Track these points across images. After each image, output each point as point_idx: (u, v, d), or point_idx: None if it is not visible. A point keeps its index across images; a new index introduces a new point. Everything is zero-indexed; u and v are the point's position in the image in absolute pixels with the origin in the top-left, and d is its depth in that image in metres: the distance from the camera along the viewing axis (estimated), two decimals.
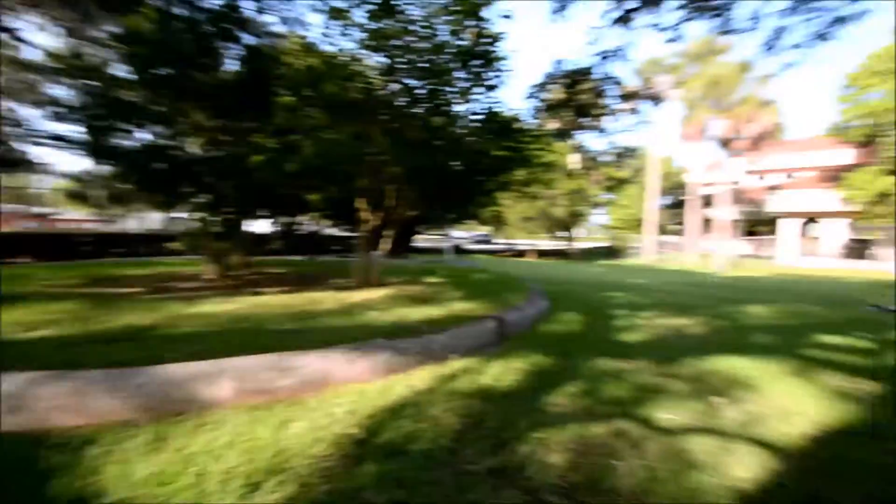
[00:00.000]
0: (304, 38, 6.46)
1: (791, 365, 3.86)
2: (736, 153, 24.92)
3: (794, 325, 5.89)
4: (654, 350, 4.28)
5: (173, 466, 1.92)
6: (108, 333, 3.51)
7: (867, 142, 20.62)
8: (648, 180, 30.08)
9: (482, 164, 6.76)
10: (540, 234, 34.07)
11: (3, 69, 7.36)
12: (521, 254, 35.32)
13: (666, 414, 2.72)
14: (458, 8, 5.57)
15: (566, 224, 33.10)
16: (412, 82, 6.03)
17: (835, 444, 2.42)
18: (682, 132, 26.16)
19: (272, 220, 8.63)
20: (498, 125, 6.66)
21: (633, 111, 9.78)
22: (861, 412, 2.88)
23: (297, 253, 9.98)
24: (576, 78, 9.12)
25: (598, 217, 42.37)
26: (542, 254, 35.52)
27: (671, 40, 8.15)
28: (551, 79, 9.18)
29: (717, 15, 7.77)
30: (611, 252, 34.68)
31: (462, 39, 6.07)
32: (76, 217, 27.42)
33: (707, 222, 29.34)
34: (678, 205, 34.81)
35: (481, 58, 6.17)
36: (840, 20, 7.08)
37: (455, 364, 3.39)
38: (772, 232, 27.30)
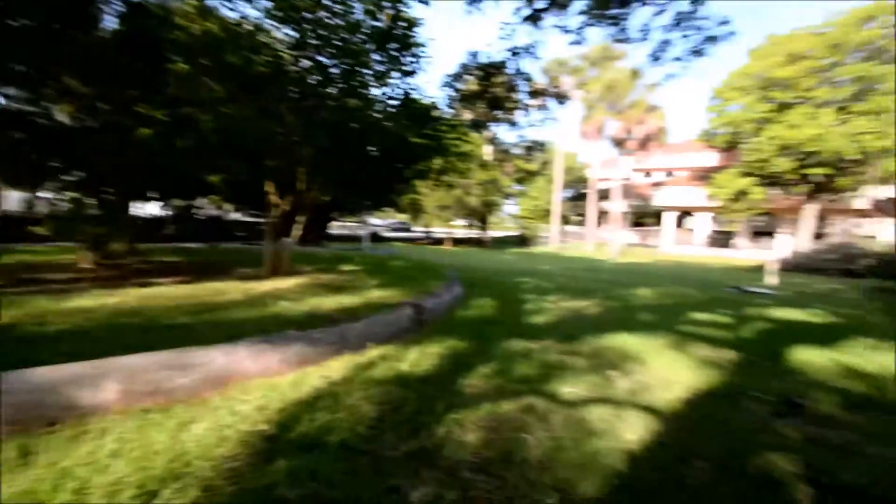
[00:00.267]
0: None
1: (670, 339, 4.44)
2: (627, 152, 27.64)
3: (671, 305, 6.76)
4: (558, 330, 4.64)
5: (44, 484, 1.65)
6: None
7: (729, 147, 24.16)
8: (554, 174, 32.17)
9: (399, 151, 6.68)
10: (456, 222, 34.83)
11: None
12: (438, 242, 35.84)
13: (568, 388, 2.98)
14: None
15: (481, 213, 34.19)
16: (325, 60, 5.73)
17: (704, 405, 2.85)
18: (581, 130, 28.26)
19: (164, 203, 7.64)
20: (415, 112, 6.61)
21: (542, 107, 10.31)
22: (724, 377, 3.41)
23: (195, 240, 9.00)
24: (489, 71, 9.40)
25: (510, 207, 44.45)
26: (458, 242, 36.41)
27: (574, 43, 8.78)
28: (466, 70, 9.36)
29: (614, 24, 8.51)
30: (521, 241, 36.66)
31: (378, 20, 5.90)
32: None
33: (603, 214, 32.31)
34: (580, 197, 37.80)
35: (398, 41, 6.06)
36: (711, 39, 8.17)
37: (372, 352, 3.35)
38: (656, 223, 30.91)
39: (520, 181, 38.69)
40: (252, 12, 5.20)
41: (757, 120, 21.19)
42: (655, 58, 8.78)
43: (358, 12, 5.86)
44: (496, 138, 12.31)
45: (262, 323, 3.53)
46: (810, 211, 21.96)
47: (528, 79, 9.76)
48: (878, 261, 16.26)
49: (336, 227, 37.43)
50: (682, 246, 28.49)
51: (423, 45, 6.31)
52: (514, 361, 3.41)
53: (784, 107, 20.45)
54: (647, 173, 34.71)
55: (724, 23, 8.05)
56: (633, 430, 2.42)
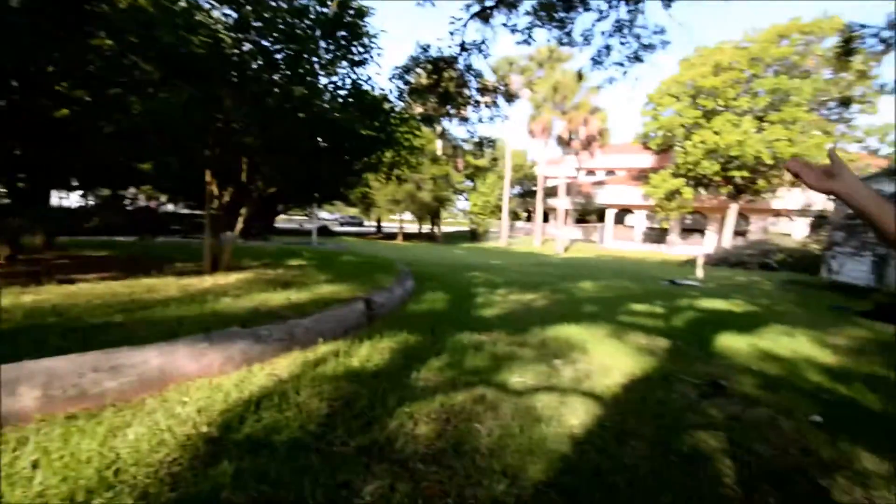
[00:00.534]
0: None
1: (610, 329, 4.71)
2: (572, 151, 28.74)
3: (612, 297, 7.16)
4: (507, 322, 4.77)
5: None
6: None
7: (663, 150, 25.84)
8: (504, 171, 32.85)
9: (349, 143, 6.52)
10: (408, 217, 34.67)
11: None
12: (389, 236, 35.50)
13: (517, 378, 3.08)
14: None
15: (432, 208, 34.24)
16: (269, 45, 5.47)
17: (640, 389, 3.05)
18: (530, 129, 29.04)
19: (88, 193, 6.91)
20: (365, 103, 6.48)
21: (492, 104, 10.47)
22: (658, 363, 3.67)
23: (124, 233, 8.24)
24: (440, 65, 9.42)
25: (462, 203, 44.86)
26: (410, 237, 36.28)
27: (523, 42, 9.03)
28: (416, 63, 9.32)
29: (560, 27, 8.84)
30: (472, 236, 37.15)
31: (326, 7, 5.72)
32: None
33: (550, 211, 33.46)
34: (529, 194, 38.89)
35: (347, 29, 5.90)
36: (648, 47, 8.69)
37: (322, 348, 3.28)
38: (599, 220, 32.46)
39: (470, 177, 39.14)
40: None
41: (687, 125, 22.83)
42: (597, 62, 9.22)
43: None
44: (447, 133, 12.34)
45: (203, 321, 3.33)
46: (733, 210, 24.00)
47: (479, 75, 9.89)
48: (791, 256, 18.12)
49: (282, 221, 36.05)
50: (623, 242, 30.18)
51: (373, 36, 6.19)
52: (465, 354, 3.47)
53: (710, 114, 22.16)
54: (591, 172, 36.36)
55: (660, 32, 8.59)
56: (576, 415, 2.55)
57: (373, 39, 6.18)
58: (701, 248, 22.78)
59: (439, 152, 29.19)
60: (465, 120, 10.79)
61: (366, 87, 6.46)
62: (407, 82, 9.27)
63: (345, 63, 6.23)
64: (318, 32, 5.69)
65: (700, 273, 13.00)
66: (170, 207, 10.29)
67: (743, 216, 26.50)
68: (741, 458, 2.22)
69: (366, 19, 6.00)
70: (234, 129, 5.35)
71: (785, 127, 20.18)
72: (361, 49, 6.16)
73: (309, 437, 2.10)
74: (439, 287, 6.74)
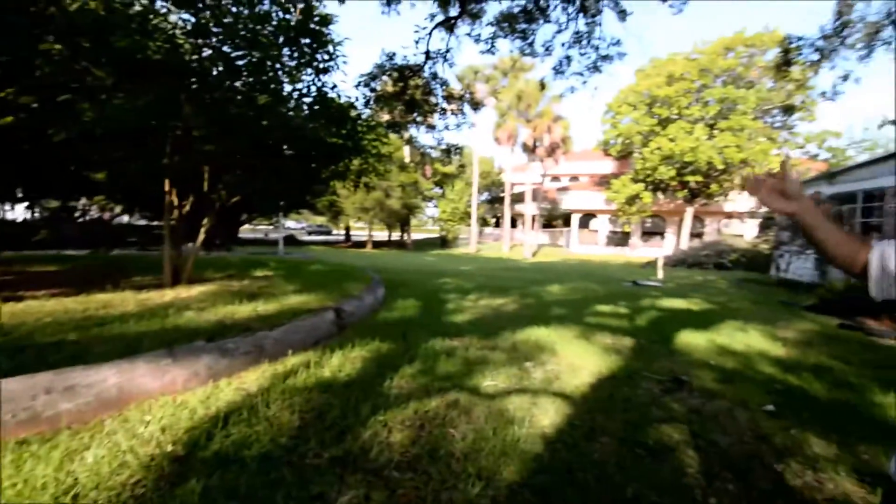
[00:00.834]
0: None
1: (577, 330, 4.84)
2: (537, 158, 29.41)
3: (578, 299, 7.36)
4: (478, 327, 4.83)
5: None
6: None
7: (623, 156, 26.87)
8: (472, 178, 33.19)
9: (315, 150, 6.43)
10: (376, 224, 34.35)
11: None
12: (358, 244, 35.08)
13: (489, 381, 3.12)
14: None
15: (402, 216, 34.13)
16: (231, 51, 5.35)
17: (607, 387, 3.16)
18: (495, 136, 29.53)
19: (34, 205, 6.44)
20: (331, 110, 6.42)
21: (459, 111, 10.60)
22: (623, 361, 3.80)
23: (75, 246, 7.73)
24: (405, 73, 9.48)
25: (431, 210, 44.92)
26: (379, 244, 35.98)
27: (487, 52, 9.24)
28: (382, 70, 9.34)
29: (522, 38, 9.10)
30: (442, 242, 37.24)
31: (289, 13, 5.66)
32: None
33: (518, 216, 34.04)
34: (497, 200, 39.41)
35: (311, 36, 5.85)
36: (606, 58, 9.06)
37: (292, 360, 3.22)
38: (565, 225, 33.27)
39: (439, 184, 39.30)
40: None
41: (644, 133, 23.85)
42: (559, 71, 9.53)
43: (266, 3, 5.56)
44: (414, 140, 12.37)
45: (165, 336, 3.19)
46: (689, 213, 25.17)
47: (444, 83, 10.00)
48: (743, 255, 19.15)
49: (247, 231, 34.96)
50: (587, 245, 31.03)
51: (337, 43, 6.16)
52: (437, 360, 3.48)
53: (665, 122, 23.26)
54: (556, 178, 37.30)
55: (616, 44, 8.97)
56: (547, 416, 2.61)
57: (338, 47, 6.15)
58: (661, 250, 23.74)
59: (407, 159, 29.22)
60: (431, 127, 10.86)
61: (332, 94, 6.41)
62: (373, 90, 9.26)
63: (309, 70, 6.17)
64: (281, 39, 5.61)
65: (660, 274, 13.55)
66: (125, 219, 9.82)
67: (698, 219, 27.85)
68: (702, 449, 2.34)
69: (330, 27, 5.96)
70: (195, 137, 5.18)
71: (733, 134, 21.42)
72: (326, 56, 6.11)
73: (280, 451, 2.06)
74: (410, 294, 6.73)
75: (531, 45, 9.12)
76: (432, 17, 8.88)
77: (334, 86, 6.27)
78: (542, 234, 33.72)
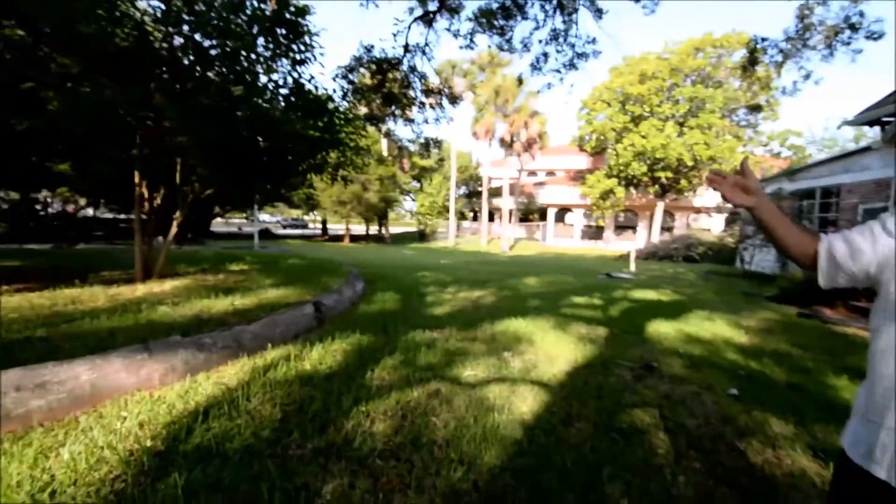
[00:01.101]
0: None
1: (554, 321, 4.96)
2: (514, 153, 29.64)
3: (554, 291, 7.52)
4: (458, 319, 4.89)
5: None
6: None
7: (597, 152, 27.40)
8: (450, 172, 33.20)
9: (291, 143, 6.32)
10: (354, 218, 33.96)
11: None
12: (335, 238, 34.65)
13: (469, 371, 3.18)
14: None
15: (379, 209, 33.85)
16: (203, 41, 5.20)
17: (582, 375, 3.27)
18: (473, 131, 29.59)
19: None
20: (308, 102, 6.32)
21: (437, 105, 10.59)
22: (597, 350, 3.93)
23: (37, 241, 7.38)
24: (384, 66, 9.40)
25: (409, 203, 44.72)
26: (357, 238, 35.63)
27: (466, 47, 9.24)
28: (360, 63, 9.23)
29: (500, 34, 9.15)
30: (420, 236, 37.17)
31: (264, 2, 5.54)
32: None
33: (495, 210, 34.30)
34: (474, 195, 39.56)
35: (287, 27, 5.74)
36: (582, 55, 9.21)
37: (272, 353, 3.20)
38: (541, 219, 33.72)
39: (417, 177, 39.15)
40: None
41: (617, 129, 24.36)
42: (536, 68, 9.64)
43: None
44: (392, 134, 12.29)
45: (138, 331, 3.12)
46: (660, 208, 25.92)
47: (423, 77, 9.96)
48: (710, 249, 19.87)
49: (219, 225, 34.04)
50: (563, 239, 31.58)
51: (314, 34, 6.06)
52: (418, 351, 3.52)
53: (638, 119, 23.82)
54: (532, 173, 37.69)
55: (592, 42, 9.13)
56: (526, 403, 2.69)
57: (314, 38, 6.05)
58: (633, 243, 24.43)
59: (385, 153, 28.98)
60: (410, 121, 10.81)
61: (309, 86, 6.31)
62: (351, 82, 9.15)
63: (285, 61, 6.05)
64: (255, 29, 5.49)
65: (633, 266, 13.94)
66: (89, 212, 9.42)
67: (669, 213, 28.74)
68: (671, 431, 2.46)
69: (307, 18, 5.86)
70: (167, 128, 5.02)
71: (702, 132, 22.13)
72: (303, 47, 6.01)
73: (262, 444, 2.07)
74: (390, 287, 6.74)
75: (509, 41, 9.18)
76: (411, 10, 8.83)
77: (311, 77, 6.17)
78: (519, 228, 34.07)
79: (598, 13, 8.60)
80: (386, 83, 9.59)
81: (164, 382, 2.57)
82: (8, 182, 5.43)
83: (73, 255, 7.81)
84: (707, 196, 26.16)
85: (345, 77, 9.03)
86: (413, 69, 9.65)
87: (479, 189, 35.45)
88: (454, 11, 8.95)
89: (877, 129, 9.36)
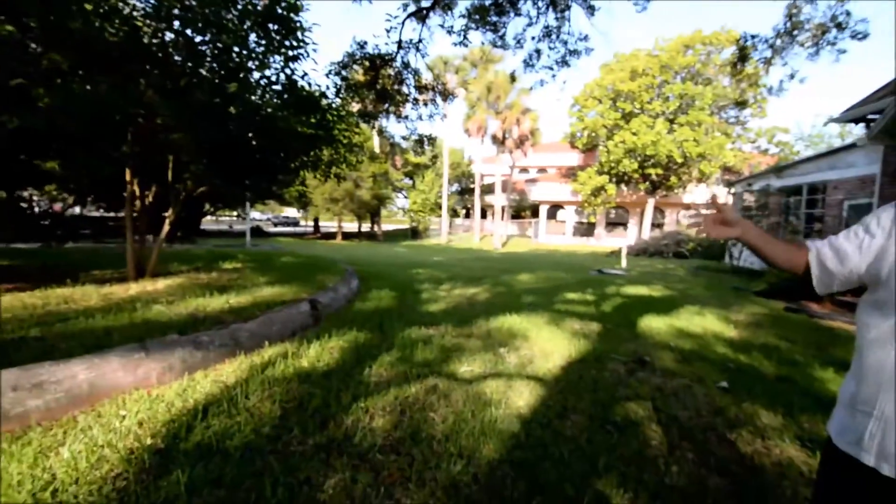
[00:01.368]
0: None
1: (548, 317, 5.02)
2: (506, 150, 29.70)
3: (548, 288, 7.58)
4: (453, 316, 4.92)
5: None
6: None
7: (588, 149, 27.56)
8: (442, 169, 33.18)
9: (284, 139, 6.28)
10: (346, 215, 33.81)
11: None
12: (328, 236, 34.49)
13: (466, 367, 3.22)
14: None
15: (372, 206, 33.74)
16: (194, 36, 5.14)
17: (577, 369, 3.32)
18: (466, 128, 29.58)
19: None
20: (301, 99, 6.29)
21: (430, 102, 10.57)
22: (591, 345, 3.99)
23: (22, 240, 7.23)
24: (377, 62, 9.36)
25: (401, 200, 44.60)
26: (350, 236, 35.50)
27: (459, 44, 9.23)
28: (353, 59, 9.19)
29: (493, 30, 9.16)
30: (413, 234, 37.14)
31: None
32: None
33: (488, 207, 34.38)
34: (467, 191, 39.57)
35: (279, 23, 5.70)
36: (574, 52, 9.26)
37: (269, 351, 3.21)
38: (533, 216, 33.86)
39: (409, 175, 39.06)
40: None
41: (608, 126, 24.51)
42: (529, 64, 9.67)
43: None
44: (385, 130, 12.25)
45: (134, 330, 3.11)
46: (650, 205, 26.15)
47: (416, 73, 9.94)
48: (700, 245, 20.11)
49: (209, 223, 33.66)
50: (555, 236, 31.74)
51: (307, 30, 6.03)
52: (415, 348, 3.55)
53: (628, 116, 23.98)
54: (524, 170, 37.80)
55: (584, 39, 9.18)
56: (522, 397, 2.74)
57: (307, 34, 6.01)
58: (624, 240, 24.61)
59: (377, 150, 28.88)
60: (404, 118, 10.79)
61: (302, 82, 6.27)
62: (344, 78, 9.10)
63: (278, 57, 6.01)
64: (247, 24, 5.44)
65: (624, 263, 14.08)
66: (76, 210, 9.28)
67: (659, 210, 29.01)
68: (664, 423, 2.52)
69: (299, 13, 5.82)
70: (159, 125, 4.97)
71: (691, 129, 22.35)
72: (295, 43, 5.97)
73: (263, 440, 2.08)
74: (385, 285, 6.75)
75: (502, 37, 9.20)
76: (405, 6, 8.80)
77: (304, 74, 6.14)
78: (512, 224, 34.20)
79: (591, 10, 8.65)
80: (379, 79, 9.56)
81: (162, 381, 2.57)
82: None
83: (62, 254, 7.70)
84: (697, 192, 26.44)
85: (338, 73, 8.98)
86: (406, 65, 9.63)
87: (472, 186, 35.46)
88: (448, 7, 8.94)
89: (862, 126, 9.54)
